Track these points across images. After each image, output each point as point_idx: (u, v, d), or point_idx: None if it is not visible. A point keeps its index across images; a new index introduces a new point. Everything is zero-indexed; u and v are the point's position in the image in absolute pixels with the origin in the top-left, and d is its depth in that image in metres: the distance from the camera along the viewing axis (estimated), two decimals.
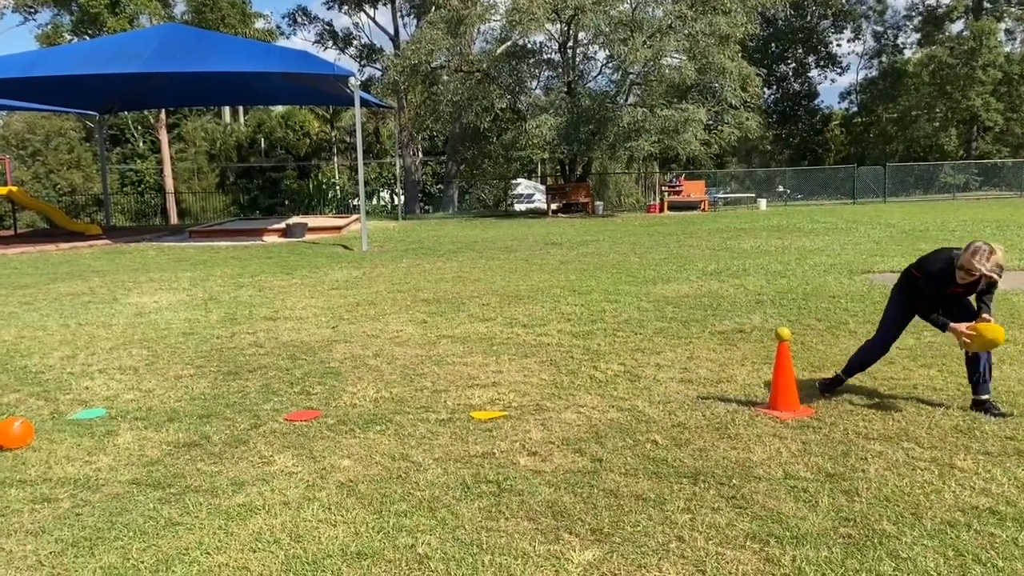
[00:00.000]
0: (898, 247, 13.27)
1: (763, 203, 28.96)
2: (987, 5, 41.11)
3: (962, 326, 4.59)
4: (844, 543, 3.20)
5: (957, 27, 42.01)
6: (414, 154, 36.86)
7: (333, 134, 44.60)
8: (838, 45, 48.01)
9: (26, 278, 12.72)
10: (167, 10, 35.20)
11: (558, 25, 27.32)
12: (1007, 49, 40.71)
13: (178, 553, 3.28)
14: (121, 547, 3.36)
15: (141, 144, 40.37)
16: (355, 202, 30.37)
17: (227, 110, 44.55)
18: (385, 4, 35.36)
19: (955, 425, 4.51)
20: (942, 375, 5.51)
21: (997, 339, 4.52)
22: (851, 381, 5.36)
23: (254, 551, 3.28)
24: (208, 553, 3.27)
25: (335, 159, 44.24)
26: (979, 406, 4.76)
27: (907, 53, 44.78)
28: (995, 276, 4.44)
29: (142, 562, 3.22)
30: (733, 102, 27.08)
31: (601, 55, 28.70)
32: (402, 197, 33.00)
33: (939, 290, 4.70)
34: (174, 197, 35.98)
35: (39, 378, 6.26)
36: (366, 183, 25.20)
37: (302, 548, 3.29)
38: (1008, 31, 41.79)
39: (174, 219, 34.65)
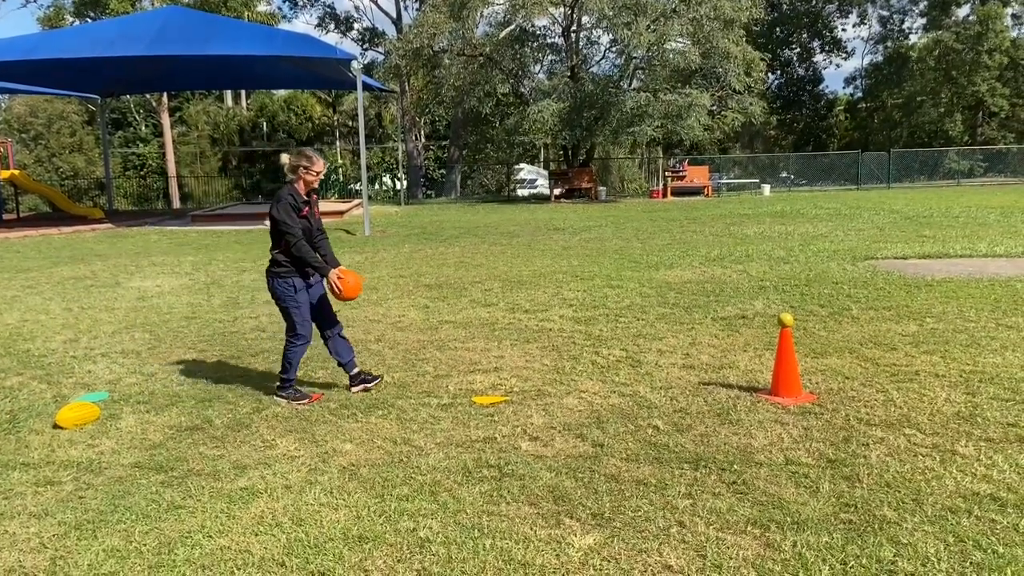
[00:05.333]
0: (902, 233, 13.23)
1: (767, 189, 28.90)
2: None
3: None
4: (845, 529, 3.20)
5: (963, 12, 41.74)
6: (416, 139, 36.76)
7: (335, 118, 44.47)
8: (843, 30, 47.71)
9: (29, 262, 12.74)
10: None
11: (561, 9, 27.16)
12: (1014, 34, 40.41)
13: (180, 536, 3.30)
14: (124, 530, 3.37)
15: (143, 128, 40.28)
16: (357, 187, 30.31)
17: (229, 94, 44.39)
18: None
19: (957, 412, 4.51)
20: (944, 361, 5.50)
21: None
22: (853, 368, 5.35)
23: (256, 534, 3.29)
24: (210, 536, 3.29)
25: (337, 143, 44.13)
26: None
27: (913, 38, 44.50)
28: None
29: (145, 545, 3.23)
30: (737, 87, 26.98)
31: (605, 39, 28.59)
32: (404, 182, 32.92)
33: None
34: (176, 181, 35.93)
35: (42, 361, 6.28)
36: (368, 168, 25.15)
37: (304, 531, 3.30)
38: (1015, 16, 41.43)
39: (176, 203, 34.63)
